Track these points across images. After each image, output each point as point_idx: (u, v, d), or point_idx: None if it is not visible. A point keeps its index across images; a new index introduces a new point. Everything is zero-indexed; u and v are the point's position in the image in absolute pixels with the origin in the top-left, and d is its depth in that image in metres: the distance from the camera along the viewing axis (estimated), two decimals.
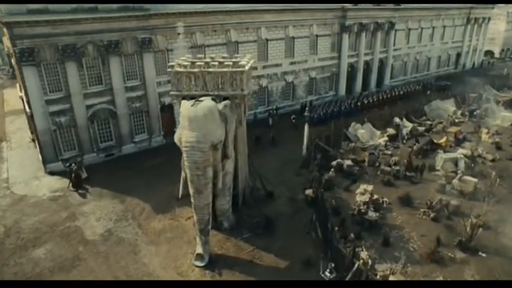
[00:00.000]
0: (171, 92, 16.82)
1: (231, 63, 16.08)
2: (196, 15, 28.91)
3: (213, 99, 15.70)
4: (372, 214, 18.55)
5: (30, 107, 24.32)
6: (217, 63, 16.26)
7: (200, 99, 15.32)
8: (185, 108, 14.59)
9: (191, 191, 14.94)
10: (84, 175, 24.27)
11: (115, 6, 24.90)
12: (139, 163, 26.61)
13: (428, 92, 44.04)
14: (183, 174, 16.20)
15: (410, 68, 52.00)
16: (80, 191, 23.04)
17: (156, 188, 22.74)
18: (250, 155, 20.83)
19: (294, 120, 33.37)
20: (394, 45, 46.82)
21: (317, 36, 38.57)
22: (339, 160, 24.95)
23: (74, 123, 26.03)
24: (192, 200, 15.18)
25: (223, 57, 17.67)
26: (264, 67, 35.11)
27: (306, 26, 37.13)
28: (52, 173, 25.46)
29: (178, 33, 28.80)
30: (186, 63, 16.30)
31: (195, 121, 14.13)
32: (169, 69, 16.46)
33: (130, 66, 27.35)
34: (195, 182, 14.61)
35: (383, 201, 20.47)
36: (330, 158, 26.36)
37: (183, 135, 14.37)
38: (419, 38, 50.76)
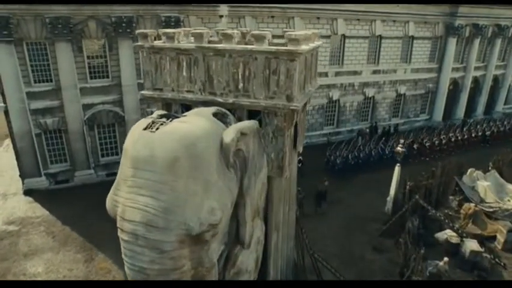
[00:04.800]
0: (142, 92, 8.42)
1: (267, 36, 7.12)
2: None
3: (217, 113, 7.02)
4: None
5: (4, 101, 17.67)
6: (238, 35, 7.51)
7: (185, 114, 6.72)
8: (132, 135, 5.97)
9: None
10: None
11: None
12: None
13: None
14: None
15: None
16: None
17: None
18: (300, 219, 11.65)
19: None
20: None
21: (412, 38, 28.24)
22: (450, 234, 14.70)
23: (64, 126, 19.03)
24: None
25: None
26: (337, 74, 25.61)
27: (398, 23, 27.07)
28: (29, 192, 18.61)
29: (221, 16, 20.66)
30: (175, 32, 7.72)
31: (146, 170, 5.44)
32: (138, 43, 8.04)
33: None
34: None
35: None
36: (431, 222, 16.36)
37: (119, 204, 5.73)
38: None
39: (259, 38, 6.94)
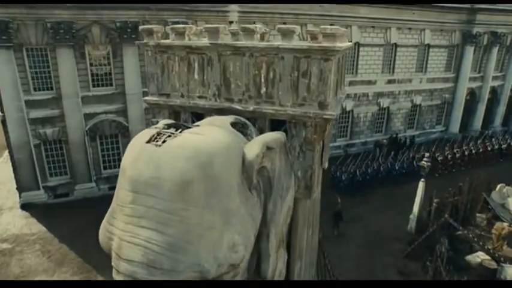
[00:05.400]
0: (146, 98, 7.26)
1: (296, 30, 5.94)
2: None
3: (236, 123, 5.83)
4: None
5: (1, 110, 16.68)
6: (261, 30, 6.37)
7: (197, 123, 5.50)
8: (132, 150, 4.67)
9: None
10: None
11: None
12: None
13: None
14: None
15: None
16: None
17: None
18: (322, 242, 10.35)
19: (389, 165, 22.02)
20: None
21: (428, 46, 27.13)
22: (483, 258, 13.31)
23: (65, 137, 17.98)
24: None
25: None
26: (351, 83, 24.48)
27: (414, 31, 25.99)
28: (26, 207, 17.49)
29: (231, 22, 19.68)
30: (185, 27, 6.60)
31: (149, 195, 4.21)
32: (142, 41, 6.94)
33: None
34: None
35: None
36: (459, 242, 15.00)
37: (114, 237, 4.50)
38: None
39: (287, 33, 5.79)
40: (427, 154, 16.82)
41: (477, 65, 30.07)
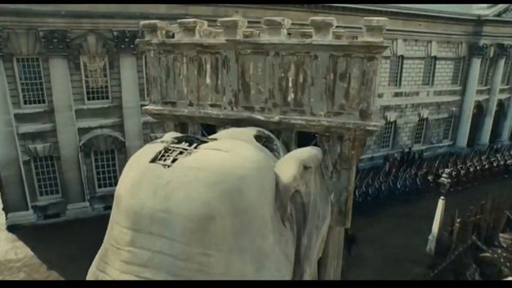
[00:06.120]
0: (147, 107, 6.18)
1: (333, 23, 4.89)
2: (263, 7, 18.72)
3: (260, 136, 4.68)
4: None
5: None
6: (289, 23, 5.31)
7: (212, 137, 4.28)
8: (131, 172, 3.46)
9: None
10: None
11: None
12: None
13: None
14: None
15: None
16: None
17: None
18: (345, 266, 9.19)
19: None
20: None
21: (435, 58, 26.43)
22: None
23: (57, 153, 16.78)
24: None
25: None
26: None
27: (421, 42, 25.31)
28: (13, 228, 16.15)
29: None
30: (196, 21, 5.56)
31: (155, 235, 3.06)
32: (143, 39, 5.89)
33: None
34: None
35: None
36: (485, 265, 13.75)
37: None
38: None
39: (322, 26, 4.75)
40: (447, 170, 15.75)
41: (484, 77, 29.41)
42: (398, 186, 20.11)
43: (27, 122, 15.98)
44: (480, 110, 30.23)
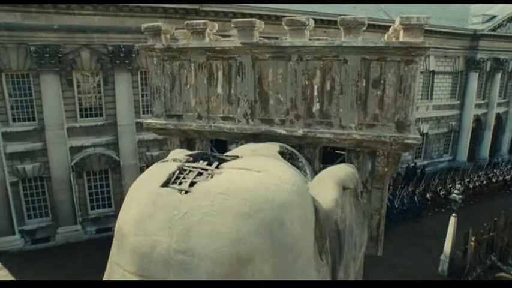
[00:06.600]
0: (149, 121, 5.45)
1: (365, 21, 4.30)
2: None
3: (284, 152, 3.97)
4: None
5: None
6: (312, 23, 4.70)
7: (230, 154, 3.55)
8: (137, 199, 2.64)
9: None
10: None
11: None
12: None
13: None
14: None
15: None
16: None
17: None
18: None
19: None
20: None
21: (433, 73, 26.27)
22: None
23: (47, 173, 15.89)
24: None
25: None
26: None
27: None
28: None
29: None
30: (207, 23, 4.94)
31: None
32: (144, 43, 5.24)
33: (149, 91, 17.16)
34: None
35: None
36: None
37: None
38: None
39: (353, 26, 4.16)
40: (457, 186, 15.08)
41: (482, 91, 29.34)
42: (396, 205, 19.31)
43: (16, 140, 15.14)
44: (479, 124, 30.03)
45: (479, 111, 29.37)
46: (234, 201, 2.44)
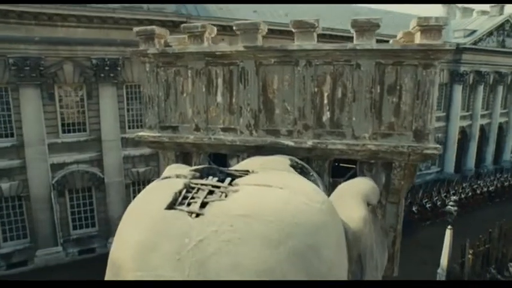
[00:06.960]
0: (141, 133, 4.97)
1: (379, 22, 4.00)
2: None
3: (295, 166, 3.55)
4: None
5: None
6: (319, 27, 4.37)
7: (237, 168, 3.04)
8: (138, 225, 2.05)
9: None
10: None
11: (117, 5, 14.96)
12: None
13: None
14: None
15: None
16: None
17: None
18: None
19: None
20: None
21: None
22: None
23: (26, 192, 15.04)
24: None
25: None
26: None
27: None
28: None
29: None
30: (206, 26, 4.56)
31: None
32: (137, 48, 4.81)
33: (135, 105, 16.61)
34: None
35: None
36: None
37: None
38: None
39: (367, 28, 3.85)
40: (453, 198, 14.94)
41: (466, 103, 29.88)
42: None
43: None
44: (464, 135, 30.48)
45: (464, 123, 29.85)
46: (259, 225, 2.01)
